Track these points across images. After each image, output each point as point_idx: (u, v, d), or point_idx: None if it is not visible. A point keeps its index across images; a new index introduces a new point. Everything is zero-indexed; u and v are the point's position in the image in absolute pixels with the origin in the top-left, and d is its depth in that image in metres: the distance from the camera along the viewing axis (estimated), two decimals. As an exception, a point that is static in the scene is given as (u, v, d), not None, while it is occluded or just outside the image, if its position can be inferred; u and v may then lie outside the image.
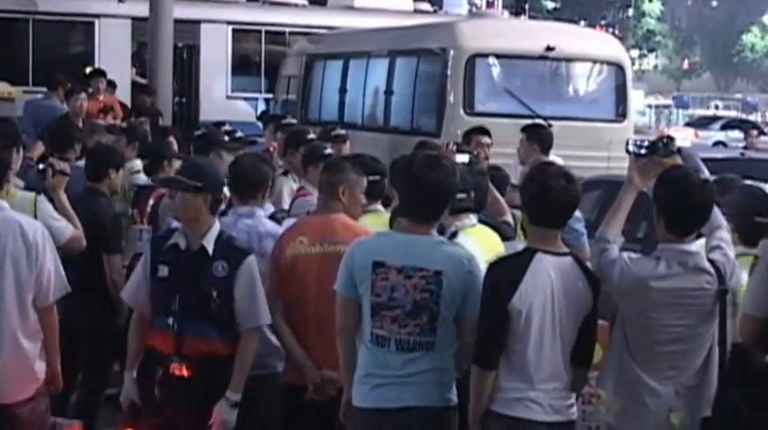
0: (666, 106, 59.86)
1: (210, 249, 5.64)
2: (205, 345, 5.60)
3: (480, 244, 5.81)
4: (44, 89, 14.88)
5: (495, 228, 6.78)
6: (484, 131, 9.61)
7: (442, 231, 5.60)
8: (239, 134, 9.73)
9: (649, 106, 58.54)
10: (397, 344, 5.10)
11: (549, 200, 4.98)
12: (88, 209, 7.20)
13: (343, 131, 9.92)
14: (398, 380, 5.10)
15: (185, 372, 5.59)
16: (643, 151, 5.25)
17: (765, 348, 5.08)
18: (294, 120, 11.88)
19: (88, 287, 7.01)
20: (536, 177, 5.09)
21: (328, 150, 7.97)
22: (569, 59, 14.42)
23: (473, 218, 5.91)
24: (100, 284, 7.25)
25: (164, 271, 5.67)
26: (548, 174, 5.05)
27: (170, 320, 5.60)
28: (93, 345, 7.40)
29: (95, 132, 10.02)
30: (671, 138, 5.34)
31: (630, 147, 5.27)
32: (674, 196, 5.05)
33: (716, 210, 5.27)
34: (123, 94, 15.73)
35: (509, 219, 7.34)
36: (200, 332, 5.60)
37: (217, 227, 5.74)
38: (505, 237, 6.63)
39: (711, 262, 5.08)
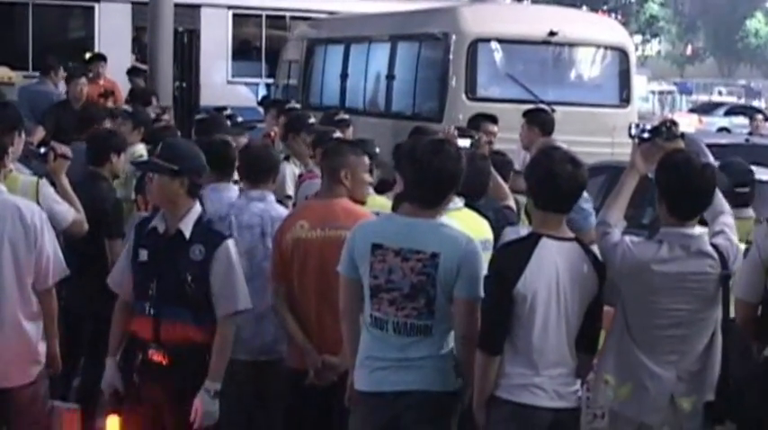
0: (669, 92, 59.74)
1: (188, 233, 5.52)
2: (181, 332, 5.50)
3: (463, 228, 5.79)
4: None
5: (496, 213, 6.80)
6: (492, 119, 9.60)
7: None
8: (240, 119, 9.75)
9: (652, 92, 58.44)
10: (394, 326, 5.11)
11: (555, 184, 4.98)
12: (89, 193, 7.20)
13: (346, 116, 9.95)
14: (397, 363, 5.11)
15: (162, 359, 5.51)
16: (646, 135, 5.26)
17: (757, 332, 5.15)
18: (298, 105, 11.88)
19: (89, 272, 7.00)
20: (542, 162, 5.09)
21: (338, 134, 7.98)
22: (572, 44, 14.41)
23: (458, 201, 5.88)
24: (101, 269, 7.22)
25: (143, 255, 5.59)
26: (554, 159, 5.05)
27: (147, 305, 5.53)
28: (95, 330, 7.41)
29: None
30: (674, 123, 5.35)
31: (633, 131, 5.28)
32: (675, 180, 5.06)
33: (719, 195, 5.28)
34: (123, 79, 15.68)
35: (511, 204, 7.34)
36: (176, 318, 5.50)
37: (197, 210, 5.60)
38: (508, 223, 6.64)
39: (714, 246, 5.08)
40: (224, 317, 5.51)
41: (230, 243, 5.58)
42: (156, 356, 5.52)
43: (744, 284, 5.22)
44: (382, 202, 6.55)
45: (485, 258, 5.21)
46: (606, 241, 5.10)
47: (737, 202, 6.52)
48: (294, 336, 6.00)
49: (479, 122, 9.45)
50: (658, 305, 5.03)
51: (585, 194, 6.02)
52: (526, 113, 9.64)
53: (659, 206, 5.14)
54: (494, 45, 14.12)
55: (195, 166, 5.61)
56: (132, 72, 16.15)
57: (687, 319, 5.05)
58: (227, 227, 6.28)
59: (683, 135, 5.31)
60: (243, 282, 5.60)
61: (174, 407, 5.49)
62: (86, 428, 6.21)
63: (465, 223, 5.76)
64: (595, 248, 5.16)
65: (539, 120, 9.46)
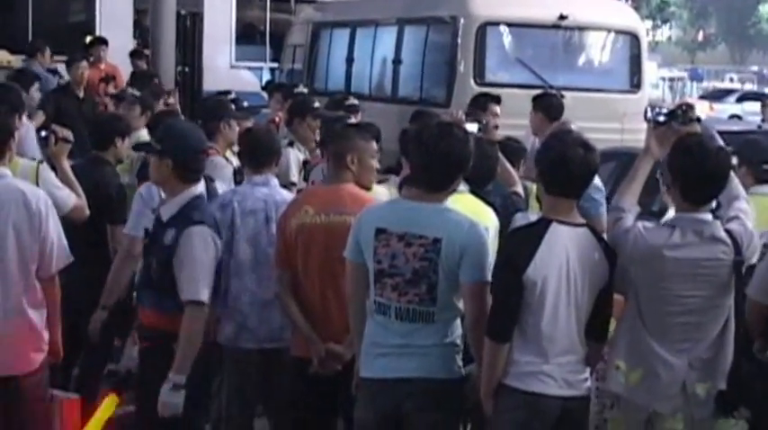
0: (680, 79, 59.61)
1: (166, 217, 5.54)
2: (151, 317, 5.55)
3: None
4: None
5: (504, 199, 6.79)
6: (496, 100, 9.58)
7: None
8: (245, 104, 9.73)
9: (663, 79, 58.33)
10: (396, 312, 5.11)
11: (566, 169, 4.97)
12: (92, 178, 7.19)
13: (355, 101, 9.92)
14: (400, 350, 5.11)
15: (142, 344, 5.62)
16: (661, 119, 5.25)
17: (764, 331, 5.14)
18: (305, 90, 11.87)
19: (90, 259, 6.99)
20: (554, 146, 5.08)
21: (352, 120, 7.97)
22: (583, 28, 14.37)
23: (462, 186, 5.86)
24: (102, 257, 7.23)
25: (146, 239, 5.69)
26: (566, 143, 5.03)
27: (137, 289, 5.65)
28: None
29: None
30: (690, 107, 5.34)
31: (649, 115, 5.27)
32: (689, 164, 5.03)
33: (734, 180, 5.27)
34: (124, 63, 15.67)
35: (519, 190, 7.33)
36: (148, 303, 5.57)
37: (189, 195, 5.57)
38: (516, 209, 6.63)
39: (728, 232, 5.06)
40: (187, 305, 5.42)
41: (198, 229, 5.48)
42: (139, 341, 5.65)
43: (757, 284, 5.18)
44: (380, 191, 6.52)
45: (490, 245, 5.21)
46: (619, 226, 5.09)
47: (763, 179, 6.70)
48: (298, 324, 5.98)
49: (484, 103, 9.41)
50: (670, 291, 5.02)
51: (597, 183, 6.02)
52: (534, 99, 9.62)
53: (672, 190, 5.12)
54: (503, 29, 14.09)
55: (181, 148, 5.58)
56: (135, 55, 16.14)
57: (699, 306, 5.04)
58: (229, 213, 6.27)
59: (698, 119, 5.29)
60: (206, 272, 5.47)
61: (139, 393, 5.56)
62: (85, 417, 6.19)
63: (468, 209, 5.75)
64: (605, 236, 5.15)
65: (543, 104, 9.45)
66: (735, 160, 5.64)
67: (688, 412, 5.06)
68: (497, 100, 9.52)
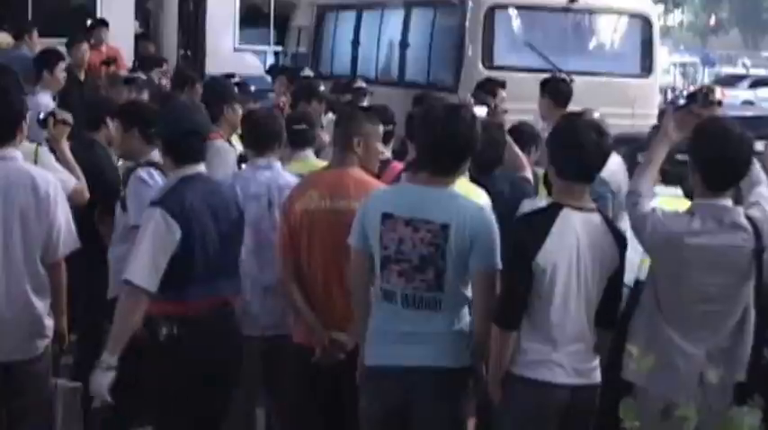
0: (692, 64, 59.51)
1: (153, 198, 5.61)
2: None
3: None
4: (45, 40, 14.79)
5: (513, 184, 6.76)
6: (501, 85, 9.56)
7: None
8: (252, 88, 9.73)
9: (674, 64, 58.24)
10: (403, 299, 5.08)
11: (579, 153, 4.93)
12: (87, 160, 7.15)
13: (364, 84, 9.91)
14: (407, 338, 5.08)
15: None
16: (682, 101, 5.21)
17: None
18: (311, 73, 11.86)
19: (84, 245, 6.95)
20: (566, 129, 5.05)
21: (365, 103, 7.94)
22: (593, 11, 14.35)
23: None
24: (97, 242, 7.19)
25: None
26: (578, 127, 5.00)
27: None
28: (88, 307, 7.35)
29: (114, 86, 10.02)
30: (711, 89, 5.28)
31: (669, 96, 5.22)
32: (710, 149, 4.98)
33: (756, 166, 5.21)
34: (126, 46, 15.65)
35: (529, 175, 7.29)
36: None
37: (176, 176, 5.56)
38: (524, 195, 6.59)
39: (749, 218, 5.01)
40: (122, 284, 5.40)
41: (150, 211, 5.44)
42: None
43: None
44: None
45: None
46: (636, 211, 5.05)
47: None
48: (301, 312, 5.95)
49: (489, 88, 9.39)
50: (689, 279, 4.97)
51: (604, 177, 6.00)
52: (541, 84, 9.60)
53: (692, 176, 5.07)
54: (512, 12, 14.06)
55: (171, 128, 5.61)
56: (143, 37, 16.10)
57: (718, 295, 5.00)
58: None
59: (720, 102, 5.24)
60: (147, 255, 5.36)
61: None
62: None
63: (458, 189, 5.72)
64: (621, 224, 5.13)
65: (549, 89, 9.43)
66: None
67: (704, 402, 5.03)
68: (502, 85, 9.50)
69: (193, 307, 5.47)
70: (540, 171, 7.11)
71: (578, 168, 4.98)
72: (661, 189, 6.25)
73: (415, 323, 5.08)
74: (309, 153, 7.21)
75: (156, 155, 6.64)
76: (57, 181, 5.79)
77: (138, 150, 6.67)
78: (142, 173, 6.51)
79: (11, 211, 5.55)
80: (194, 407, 5.49)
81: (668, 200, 5.88)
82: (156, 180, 6.41)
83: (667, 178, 6.24)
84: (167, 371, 5.45)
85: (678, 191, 6.51)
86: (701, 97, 5.18)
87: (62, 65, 10.36)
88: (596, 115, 7.57)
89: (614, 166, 7.11)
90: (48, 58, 10.33)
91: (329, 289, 5.88)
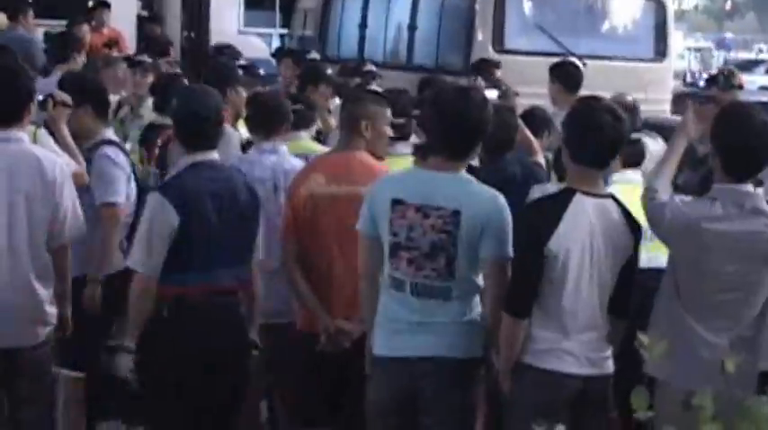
0: (707, 49, 59.38)
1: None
2: None
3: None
4: (45, 21, 14.77)
5: (524, 169, 6.74)
6: (496, 65, 9.54)
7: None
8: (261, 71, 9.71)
9: (688, 49, 58.10)
10: (412, 287, 5.05)
11: (594, 137, 4.90)
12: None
13: (373, 68, 9.88)
14: (416, 327, 5.05)
15: None
16: (702, 83, 5.16)
17: None
18: (318, 56, 11.83)
19: None
20: (581, 113, 5.01)
21: (375, 87, 7.92)
22: (606, -6, 14.31)
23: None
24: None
25: None
26: (594, 110, 4.96)
27: None
28: (77, 293, 7.30)
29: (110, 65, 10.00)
30: (732, 72, 5.25)
31: (688, 79, 5.19)
32: (733, 135, 4.94)
33: None
34: (128, 29, 15.62)
35: (541, 160, 7.28)
36: None
37: (183, 163, 5.62)
38: (536, 180, 6.57)
39: None
40: None
41: (152, 197, 5.59)
42: None
43: None
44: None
45: None
46: (653, 203, 5.02)
47: None
48: (305, 298, 5.93)
49: (483, 69, 9.36)
50: (710, 266, 4.93)
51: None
52: (551, 68, 9.58)
53: (713, 161, 5.03)
54: (523, -7, 14.03)
55: (181, 111, 5.65)
56: (148, 20, 16.05)
57: (740, 282, 4.96)
58: None
59: (741, 86, 5.19)
60: (144, 240, 5.50)
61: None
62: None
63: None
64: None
65: (557, 73, 9.40)
66: None
67: (728, 393, 4.98)
68: (497, 65, 9.48)
69: (190, 292, 5.51)
70: (551, 156, 7.10)
71: (594, 154, 4.94)
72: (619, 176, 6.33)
73: (424, 313, 5.05)
74: (303, 134, 7.20)
75: (109, 133, 6.68)
76: (63, 163, 5.77)
77: (91, 129, 6.66)
78: (107, 149, 6.57)
79: (16, 196, 5.55)
80: (193, 395, 5.50)
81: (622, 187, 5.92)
82: (121, 159, 6.44)
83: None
84: (164, 357, 5.49)
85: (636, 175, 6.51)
86: (723, 80, 5.14)
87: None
88: (629, 99, 7.54)
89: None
90: (75, 40, 10.39)
91: (335, 276, 5.85)
